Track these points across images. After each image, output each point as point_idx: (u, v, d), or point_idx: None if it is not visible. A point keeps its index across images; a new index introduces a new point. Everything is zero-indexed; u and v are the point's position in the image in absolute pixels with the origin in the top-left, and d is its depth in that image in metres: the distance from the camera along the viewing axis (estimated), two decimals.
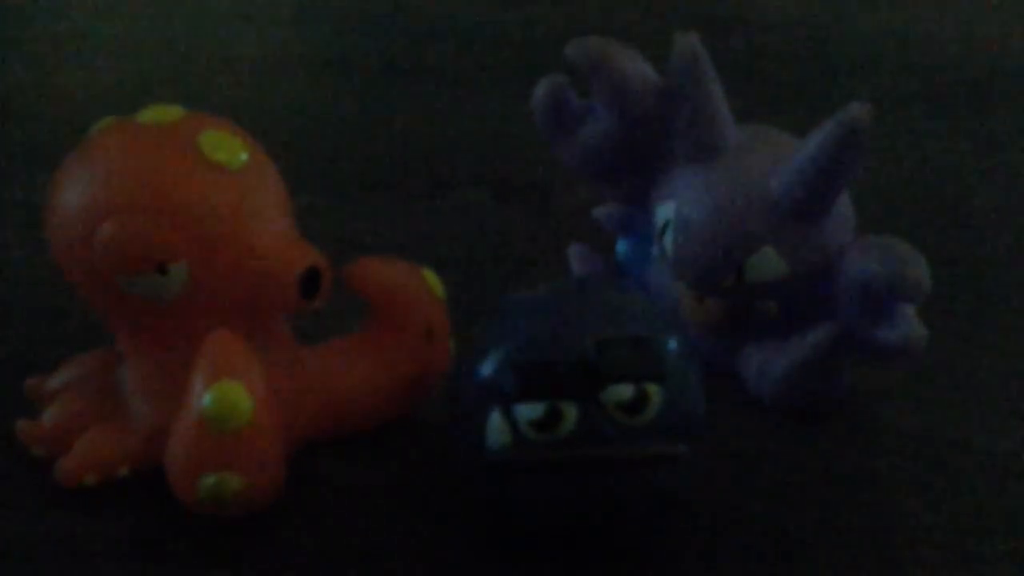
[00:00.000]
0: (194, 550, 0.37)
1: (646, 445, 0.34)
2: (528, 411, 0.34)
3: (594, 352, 0.34)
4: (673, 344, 0.35)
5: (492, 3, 1.09)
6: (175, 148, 0.37)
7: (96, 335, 0.42)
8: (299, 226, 0.39)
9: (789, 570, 0.37)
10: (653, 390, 0.34)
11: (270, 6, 1.07)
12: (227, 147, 0.37)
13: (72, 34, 0.96)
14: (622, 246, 0.51)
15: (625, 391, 0.34)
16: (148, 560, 0.37)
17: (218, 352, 0.36)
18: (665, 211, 0.45)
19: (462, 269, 0.53)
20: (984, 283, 0.56)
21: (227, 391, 0.35)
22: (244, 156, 0.38)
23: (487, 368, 0.35)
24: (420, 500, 0.39)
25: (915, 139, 0.76)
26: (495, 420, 0.34)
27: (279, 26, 1.01)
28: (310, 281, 0.38)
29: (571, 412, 0.34)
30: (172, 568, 0.36)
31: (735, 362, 0.46)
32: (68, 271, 0.38)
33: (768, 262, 0.43)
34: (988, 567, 0.37)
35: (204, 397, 0.35)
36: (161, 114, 0.38)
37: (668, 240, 0.45)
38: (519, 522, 0.37)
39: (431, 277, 0.43)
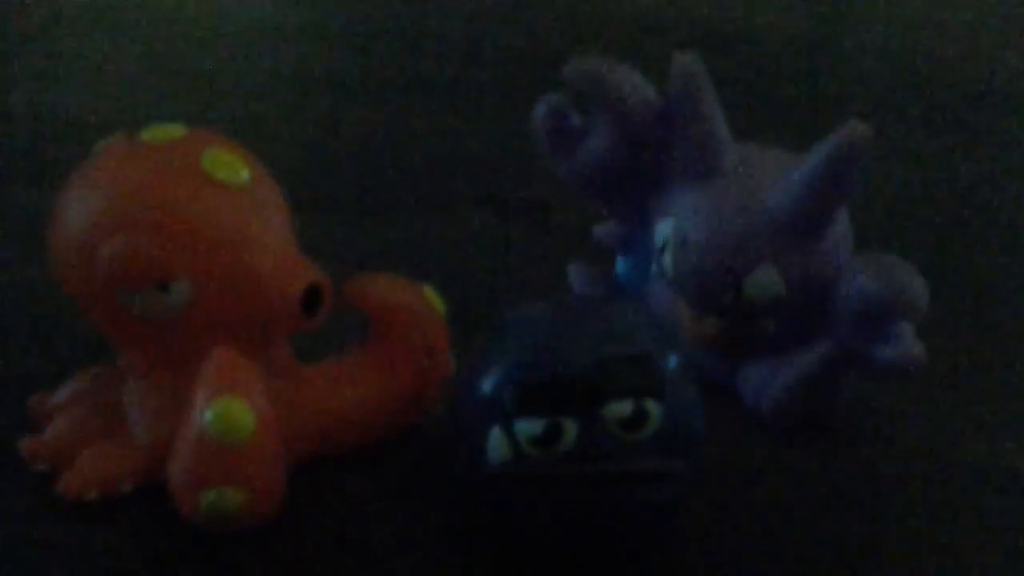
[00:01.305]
0: (196, 565, 0.37)
1: (645, 461, 0.34)
2: (528, 427, 0.34)
3: (594, 369, 0.34)
4: (672, 361, 0.35)
5: (492, 21, 1.09)
6: (178, 166, 0.37)
7: (98, 352, 0.42)
8: (300, 244, 0.40)
9: None
10: (652, 406, 0.34)
11: (273, 24, 1.07)
12: (230, 166, 0.38)
13: (76, 52, 0.96)
14: (622, 264, 0.51)
15: (624, 407, 0.34)
16: (149, 574, 0.37)
17: (220, 368, 0.36)
18: (664, 229, 0.45)
19: (462, 286, 0.53)
20: (982, 296, 0.56)
21: (229, 407, 0.35)
22: (246, 174, 0.38)
23: (488, 384, 0.35)
24: (421, 515, 0.39)
25: (913, 154, 0.76)
26: (495, 436, 0.35)
27: (281, 44, 1.02)
28: (311, 298, 0.38)
29: (571, 428, 0.34)
30: None
31: (734, 379, 0.46)
32: (70, 288, 0.38)
33: (767, 280, 0.43)
34: None
35: (206, 413, 0.35)
36: (164, 133, 0.38)
37: (667, 258, 0.45)
38: (519, 536, 0.37)
39: (431, 294, 0.43)
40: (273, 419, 0.37)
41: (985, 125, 0.84)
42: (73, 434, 0.40)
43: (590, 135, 0.46)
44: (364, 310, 0.42)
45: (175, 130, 0.39)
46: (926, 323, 0.42)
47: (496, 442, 0.35)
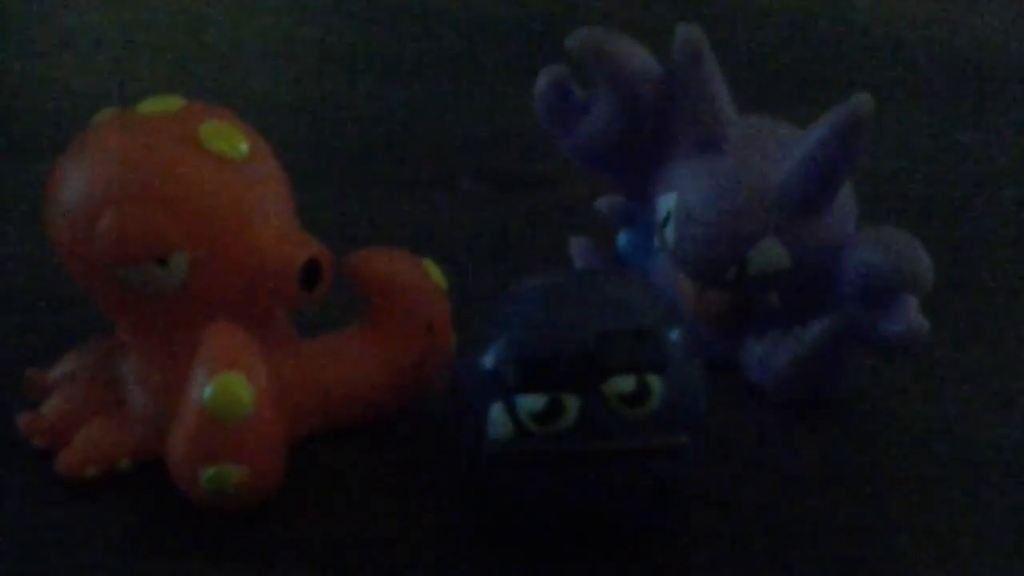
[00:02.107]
0: (195, 542, 0.37)
1: (648, 437, 0.34)
2: (529, 403, 0.34)
3: (595, 344, 0.34)
4: (675, 335, 0.35)
5: None
6: (175, 139, 0.37)
7: (96, 326, 0.42)
8: (300, 217, 0.39)
9: (789, 563, 0.37)
10: (654, 382, 0.34)
11: None
12: (228, 138, 0.37)
13: (72, 26, 0.96)
14: (624, 238, 0.51)
15: (626, 383, 0.34)
16: (149, 552, 0.37)
17: (219, 344, 0.36)
18: (667, 203, 0.45)
19: (463, 261, 0.53)
20: (985, 276, 0.56)
21: (228, 383, 0.35)
22: (245, 147, 0.38)
23: (488, 360, 0.35)
24: (421, 492, 0.39)
25: (918, 130, 0.76)
26: (496, 412, 0.34)
27: (280, 19, 1.01)
28: (311, 273, 0.38)
29: (573, 404, 0.34)
30: (173, 560, 0.36)
31: (737, 354, 0.46)
32: (68, 263, 0.38)
33: (770, 254, 0.43)
34: (989, 564, 0.37)
35: (205, 389, 0.35)
36: (161, 105, 0.38)
37: (670, 232, 0.45)
38: (520, 514, 0.37)
39: (432, 268, 0.42)
40: (273, 395, 0.37)
41: (991, 98, 0.84)
42: (71, 410, 0.40)
43: (592, 108, 0.46)
44: (364, 285, 0.42)
45: (172, 102, 0.38)
46: (929, 300, 0.42)
47: (497, 418, 0.34)
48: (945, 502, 0.40)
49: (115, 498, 0.38)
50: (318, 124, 0.75)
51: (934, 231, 0.53)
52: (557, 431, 0.34)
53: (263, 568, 0.36)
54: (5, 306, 0.50)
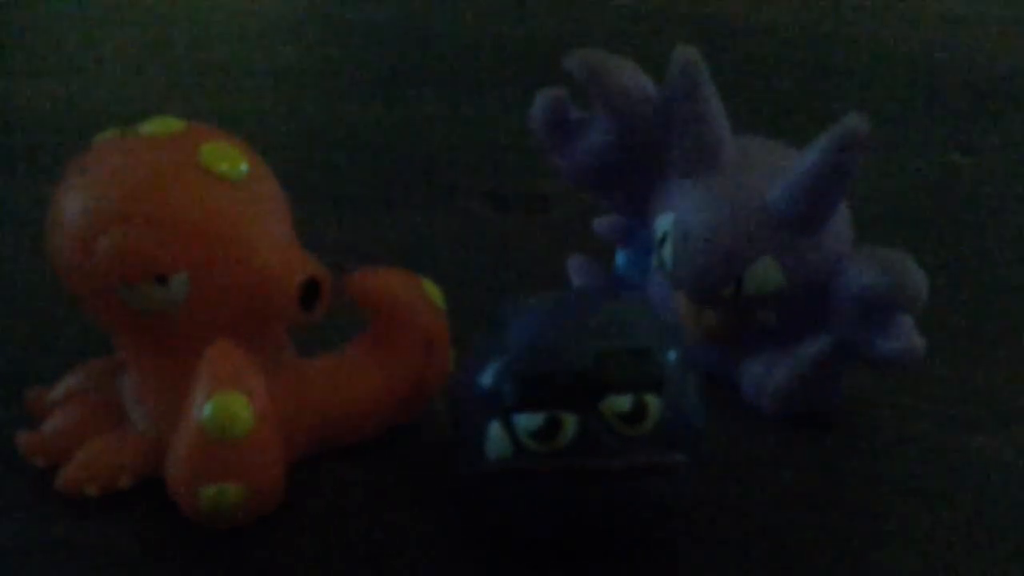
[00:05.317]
0: (195, 560, 0.37)
1: (645, 455, 0.34)
2: (527, 421, 0.34)
3: (593, 363, 0.34)
4: (672, 354, 0.35)
5: (491, 13, 1.09)
6: (176, 159, 0.37)
7: (97, 345, 0.42)
8: (299, 236, 0.40)
9: None
10: (652, 400, 0.34)
11: (269, 17, 1.07)
12: (228, 158, 0.37)
13: (74, 46, 0.96)
14: (621, 257, 0.51)
15: (624, 401, 0.34)
16: (149, 570, 0.37)
17: (219, 363, 0.36)
18: (664, 222, 0.45)
19: (461, 279, 0.53)
20: (983, 288, 0.56)
21: (228, 402, 0.35)
22: (245, 167, 0.38)
23: (486, 378, 0.35)
24: (420, 509, 0.39)
25: (912, 147, 0.76)
26: (494, 430, 0.35)
27: (278, 37, 1.02)
28: (310, 292, 0.38)
29: (570, 422, 0.34)
30: None
31: (734, 372, 0.46)
32: (69, 282, 0.38)
33: (767, 273, 0.43)
34: (988, 571, 0.37)
35: (205, 407, 0.35)
36: (162, 126, 0.38)
37: (667, 251, 0.45)
38: (519, 531, 0.37)
39: (431, 287, 0.43)
40: (272, 413, 0.37)
41: (985, 118, 0.84)
42: (71, 429, 0.40)
43: (589, 128, 0.46)
44: (364, 304, 0.42)
45: (173, 123, 0.38)
46: (925, 312, 0.42)
47: (495, 436, 0.35)
48: (941, 517, 0.40)
49: (115, 516, 0.39)
50: (317, 144, 0.75)
51: (929, 250, 0.53)
52: (555, 449, 0.34)
53: None
54: (6, 324, 0.50)
